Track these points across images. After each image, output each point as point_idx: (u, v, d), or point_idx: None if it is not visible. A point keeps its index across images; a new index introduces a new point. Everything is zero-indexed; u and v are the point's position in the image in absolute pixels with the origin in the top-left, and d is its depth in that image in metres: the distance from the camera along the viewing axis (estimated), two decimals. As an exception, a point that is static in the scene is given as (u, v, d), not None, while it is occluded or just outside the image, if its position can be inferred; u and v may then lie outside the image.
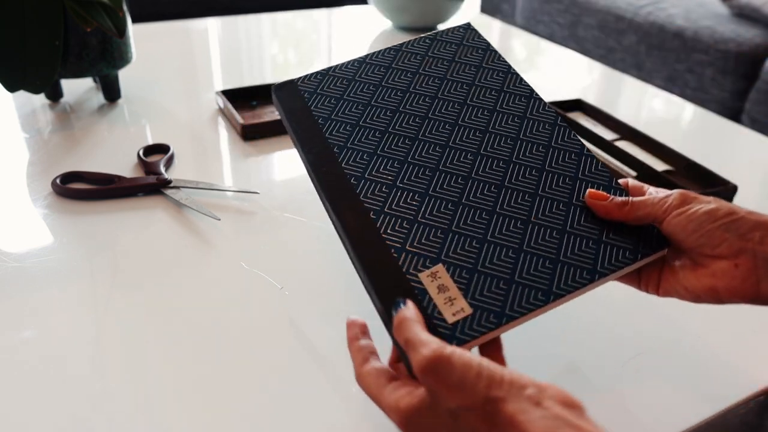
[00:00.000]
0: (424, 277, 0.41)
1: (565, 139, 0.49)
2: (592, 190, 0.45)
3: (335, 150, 0.49)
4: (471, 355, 0.33)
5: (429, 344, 0.34)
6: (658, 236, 0.42)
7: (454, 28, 0.59)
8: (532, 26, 2.48)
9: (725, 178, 0.68)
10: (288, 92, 0.54)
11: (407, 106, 0.51)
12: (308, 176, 0.48)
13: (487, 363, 0.33)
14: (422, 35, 0.58)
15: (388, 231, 0.43)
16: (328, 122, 0.51)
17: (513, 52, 1.24)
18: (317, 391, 0.43)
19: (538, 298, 0.39)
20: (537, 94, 0.52)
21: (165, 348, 0.46)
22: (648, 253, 0.42)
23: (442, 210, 0.44)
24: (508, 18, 2.64)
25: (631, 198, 0.43)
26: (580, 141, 0.49)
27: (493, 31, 1.37)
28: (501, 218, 0.43)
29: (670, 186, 0.68)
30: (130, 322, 0.48)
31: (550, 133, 0.49)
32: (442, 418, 0.33)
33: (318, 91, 0.53)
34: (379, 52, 0.57)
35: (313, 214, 0.62)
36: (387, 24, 1.30)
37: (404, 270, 0.42)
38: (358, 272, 0.43)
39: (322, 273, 0.55)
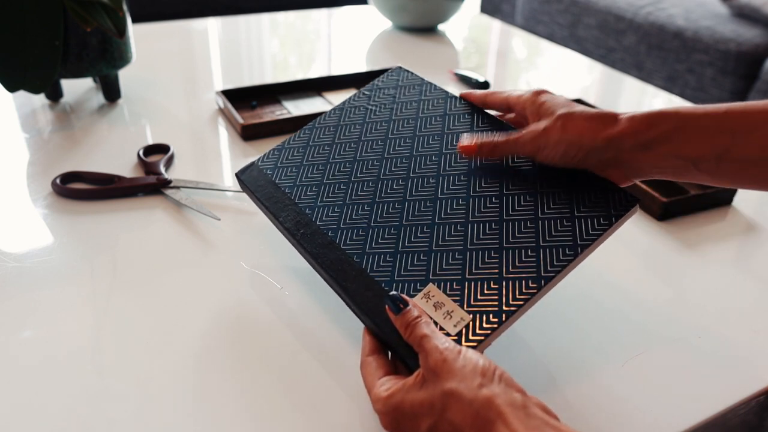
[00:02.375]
0: (418, 300, 0.42)
1: None
2: (462, 144, 0.49)
3: (307, 212, 0.51)
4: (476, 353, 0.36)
5: (443, 342, 0.37)
6: (626, 195, 0.44)
7: (387, 72, 0.62)
8: (532, 26, 2.48)
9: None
10: (251, 174, 0.57)
11: (363, 154, 0.54)
12: (290, 245, 0.51)
13: (486, 360, 0.35)
14: (360, 89, 0.61)
15: (374, 269, 0.45)
16: (294, 189, 0.54)
17: (513, 52, 1.24)
18: (318, 391, 0.43)
19: (530, 287, 0.40)
20: (478, 108, 0.54)
21: (165, 348, 0.46)
22: (621, 214, 0.44)
23: (419, 235, 0.46)
24: (508, 18, 2.64)
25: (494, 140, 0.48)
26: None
27: (493, 31, 1.37)
28: (476, 225, 0.45)
29: (671, 186, 0.68)
30: (130, 322, 0.48)
31: None
32: (425, 410, 0.34)
33: (278, 165, 0.56)
34: (325, 114, 0.60)
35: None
36: (387, 24, 1.30)
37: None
38: (358, 316, 0.44)
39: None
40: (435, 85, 0.59)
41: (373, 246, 0.47)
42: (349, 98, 0.61)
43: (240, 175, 0.57)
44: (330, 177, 0.53)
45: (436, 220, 0.47)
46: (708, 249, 0.61)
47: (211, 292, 0.51)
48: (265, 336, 0.47)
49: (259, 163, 0.57)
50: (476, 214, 0.46)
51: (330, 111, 0.60)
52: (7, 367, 0.43)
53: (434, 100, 0.57)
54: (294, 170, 0.55)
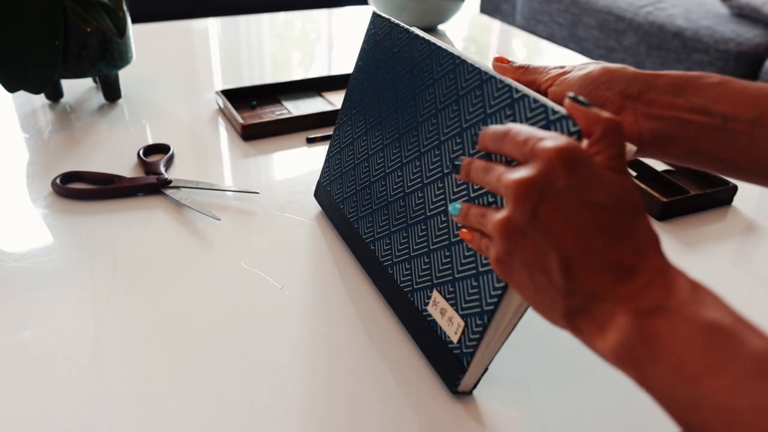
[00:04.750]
0: (431, 309, 0.43)
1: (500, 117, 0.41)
2: (498, 57, 0.46)
3: (355, 226, 0.54)
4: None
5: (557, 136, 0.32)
6: None
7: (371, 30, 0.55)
8: (532, 26, 2.48)
9: (725, 178, 0.68)
10: (320, 195, 0.61)
11: (384, 144, 0.52)
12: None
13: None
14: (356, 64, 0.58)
15: (401, 278, 0.47)
16: (342, 202, 0.56)
17: (513, 52, 1.24)
18: (318, 391, 0.43)
19: (500, 281, 0.38)
20: (485, 74, 0.41)
21: (165, 348, 0.46)
22: None
23: (419, 235, 0.46)
24: (508, 18, 2.64)
25: (528, 65, 0.46)
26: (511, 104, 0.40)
27: (493, 31, 1.37)
28: (441, 216, 0.44)
29: (671, 186, 0.68)
30: (130, 322, 0.48)
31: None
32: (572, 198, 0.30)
33: (330, 177, 0.59)
34: (344, 104, 0.58)
35: (313, 214, 0.62)
36: (387, 24, 1.30)
37: (419, 309, 0.45)
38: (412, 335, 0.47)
39: (322, 273, 0.55)
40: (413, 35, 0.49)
41: (397, 254, 0.48)
42: (353, 76, 0.57)
43: (315, 196, 0.61)
44: (360, 181, 0.54)
45: (428, 214, 0.45)
46: (708, 249, 0.61)
47: (211, 292, 0.51)
48: (265, 336, 0.47)
49: (322, 180, 0.59)
50: (452, 201, 0.43)
51: (346, 100, 0.57)
52: (7, 367, 0.43)
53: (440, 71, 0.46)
54: (339, 181, 0.57)
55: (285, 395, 0.43)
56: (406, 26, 0.50)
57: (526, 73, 0.46)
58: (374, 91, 0.53)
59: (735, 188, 0.68)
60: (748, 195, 0.70)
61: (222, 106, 0.83)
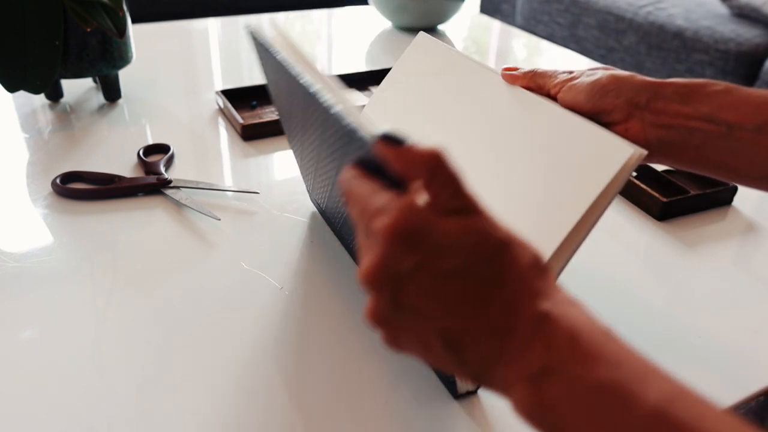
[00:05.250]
0: None
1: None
2: (505, 68, 0.47)
3: (345, 227, 0.52)
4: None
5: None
6: None
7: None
8: (532, 26, 2.48)
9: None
10: (312, 194, 0.60)
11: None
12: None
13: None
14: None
15: None
16: (325, 205, 0.56)
17: (513, 52, 1.24)
18: (319, 391, 0.43)
19: None
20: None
21: (165, 348, 0.46)
22: None
23: None
24: (508, 18, 2.64)
25: (536, 70, 0.47)
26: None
27: (493, 31, 1.37)
28: None
29: (671, 186, 0.68)
30: (130, 322, 0.48)
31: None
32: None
33: (308, 182, 0.58)
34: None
35: (312, 214, 0.62)
36: (387, 24, 1.30)
37: None
38: None
39: (322, 273, 0.55)
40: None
41: None
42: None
43: (311, 199, 0.61)
44: (323, 187, 0.53)
45: None
46: (708, 249, 0.61)
47: (211, 292, 0.51)
48: (265, 335, 0.47)
49: (306, 184, 0.59)
50: None
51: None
52: (7, 367, 0.43)
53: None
54: (312, 184, 0.57)
55: (286, 395, 0.43)
56: (273, 50, 0.45)
57: (535, 77, 0.46)
58: (284, 103, 0.50)
59: (735, 188, 0.68)
60: (748, 195, 0.70)
61: (222, 106, 0.83)
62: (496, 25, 1.39)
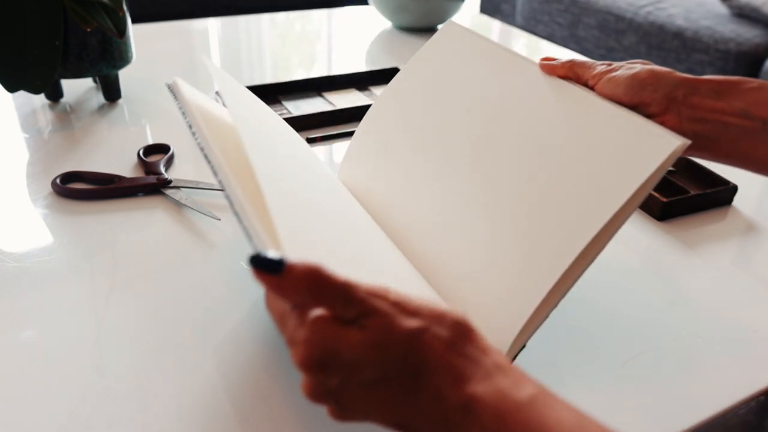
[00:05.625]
0: None
1: None
2: (544, 57, 0.48)
3: None
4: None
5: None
6: None
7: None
8: (532, 26, 2.48)
9: (725, 178, 0.68)
10: None
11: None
12: None
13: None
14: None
15: None
16: None
17: (513, 52, 1.24)
18: (317, 391, 0.43)
19: None
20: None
21: (165, 348, 0.46)
22: None
23: None
24: (508, 18, 2.64)
25: (574, 60, 0.47)
26: None
27: (493, 31, 1.37)
28: None
29: (671, 186, 0.68)
30: (130, 322, 0.48)
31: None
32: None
33: None
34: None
35: (313, 214, 0.62)
36: (387, 24, 1.30)
37: None
38: None
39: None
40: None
41: None
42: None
43: None
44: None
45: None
46: (708, 249, 0.61)
47: (211, 292, 0.51)
48: (265, 335, 0.47)
49: None
50: None
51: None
52: (7, 366, 0.43)
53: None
54: None
55: (287, 394, 0.43)
56: (185, 113, 0.46)
57: (574, 67, 0.47)
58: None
59: (735, 188, 0.68)
60: (748, 195, 0.70)
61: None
62: (496, 25, 1.39)
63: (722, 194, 0.67)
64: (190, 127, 0.43)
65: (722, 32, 1.82)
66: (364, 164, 0.58)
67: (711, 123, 0.43)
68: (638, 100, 0.44)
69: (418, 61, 0.58)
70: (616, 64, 0.47)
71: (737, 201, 0.68)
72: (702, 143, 0.43)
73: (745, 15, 1.92)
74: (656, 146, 0.39)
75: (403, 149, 0.54)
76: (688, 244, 0.61)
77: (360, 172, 0.58)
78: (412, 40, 1.22)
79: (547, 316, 0.41)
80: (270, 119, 0.53)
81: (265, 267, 0.28)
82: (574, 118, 0.44)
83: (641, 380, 0.45)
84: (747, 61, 1.77)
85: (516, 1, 2.61)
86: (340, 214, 0.46)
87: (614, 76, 0.45)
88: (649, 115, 0.43)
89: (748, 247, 0.62)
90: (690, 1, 2.07)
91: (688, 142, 0.38)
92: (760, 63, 1.77)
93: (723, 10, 1.99)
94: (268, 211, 0.32)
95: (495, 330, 0.41)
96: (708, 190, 0.66)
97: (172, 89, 0.48)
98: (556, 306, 0.40)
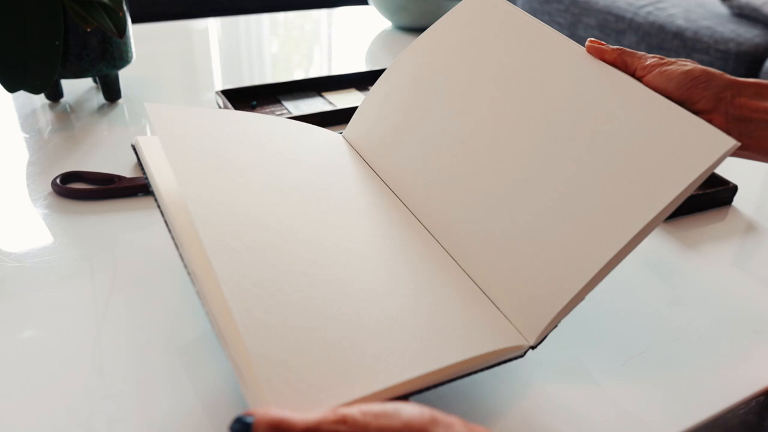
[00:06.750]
0: None
1: None
2: (592, 40, 0.47)
3: None
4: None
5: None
6: None
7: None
8: (532, 26, 2.48)
9: (725, 178, 0.68)
10: None
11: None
12: None
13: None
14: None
15: None
16: None
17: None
18: (317, 391, 0.43)
19: None
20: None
21: (165, 348, 0.46)
22: None
23: None
24: (508, 18, 2.63)
25: (623, 48, 0.47)
26: None
27: (493, 31, 1.37)
28: None
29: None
30: (130, 322, 0.48)
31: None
32: None
33: None
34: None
35: (313, 214, 0.62)
36: (387, 24, 1.30)
37: None
38: None
39: (322, 273, 0.54)
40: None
41: None
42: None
43: None
44: None
45: None
46: (708, 249, 0.61)
47: (211, 292, 0.51)
48: (265, 336, 0.47)
49: None
50: None
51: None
52: (6, 366, 0.43)
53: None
54: None
55: (285, 395, 0.42)
56: (148, 175, 0.47)
57: (623, 55, 0.47)
58: None
59: (735, 188, 0.68)
60: (748, 195, 0.70)
61: (222, 105, 0.83)
62: (496, 25, 1.39)
63: (722, 194, 0.67)
64: (150, 187, 0.45)
65: (722, 32, 1.82)
66: (376, 123, 0.55)
67: (755, 122, 0.45)
68: (687, 96, 0.45)
69: (443, 26, 0.54)
70: (667, 59, 0.47)
71: (737, 201, 0.68)
72: (746, 142, 0.46)
73: (745, 15, 1.92)
74: (710, 144, 0.39)
75: (423, 115, 0.51)
76: (688, 244, 0.61)
77: (370, 130, 0.55)
78: (412, 40, 1.22)
79: (582, 300, 0.40)
80: (244, 152, 0.48)
81: (239, 429, 0.31)
82: (623, 106, 0.43)
83: (641, 380, 0.45)
84: (747, 61, 1.78)
85: (516, 2, 2.61)
86: (330, 236, 0.44)
87: (667, 70, 0.45)
88: (696, 112, 0.45)
89: (748, 247, 0.62)
90: (690, 1, 2.07)
91: (738, 144, 0.39)
92: (760, 63, 1.77)
93: (723, 10, 1.99)
94: (217, 275, 0.35)
95: (539, 301, 0.41)
96: (708, 190, 0.66)
97: (136, 149, 0.49)
98: (589, 292, 0.40)
